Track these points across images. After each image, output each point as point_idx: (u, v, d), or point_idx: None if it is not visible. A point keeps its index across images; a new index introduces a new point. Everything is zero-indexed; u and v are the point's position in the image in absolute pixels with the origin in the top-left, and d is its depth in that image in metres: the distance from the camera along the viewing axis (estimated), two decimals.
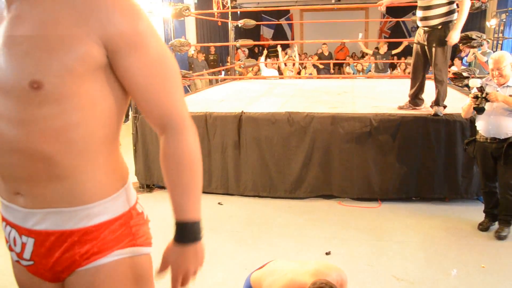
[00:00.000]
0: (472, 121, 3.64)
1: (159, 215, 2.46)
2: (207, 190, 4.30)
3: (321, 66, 10.67)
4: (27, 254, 1.02)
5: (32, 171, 0.94)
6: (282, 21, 14.83)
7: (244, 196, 4.28)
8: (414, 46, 4.13)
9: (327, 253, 3.14)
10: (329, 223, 3.68)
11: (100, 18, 0.89)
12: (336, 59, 12.32)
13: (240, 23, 7.22)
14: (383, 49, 8.95)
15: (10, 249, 1.07)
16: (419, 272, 2.88)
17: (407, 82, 4.53)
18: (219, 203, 4.14)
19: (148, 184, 4.56)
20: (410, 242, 3.30)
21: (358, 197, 4.11)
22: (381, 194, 4.09)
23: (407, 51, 11.06)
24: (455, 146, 3.91)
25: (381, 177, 4.05)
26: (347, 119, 4.06)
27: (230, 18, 7.51)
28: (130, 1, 0.93)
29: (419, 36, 4.01)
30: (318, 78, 8.49)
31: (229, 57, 8.28)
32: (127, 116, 5.97)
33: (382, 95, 5.35)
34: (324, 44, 11.13)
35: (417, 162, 4.00)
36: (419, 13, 3.92)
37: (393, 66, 10.68)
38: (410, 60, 6.28)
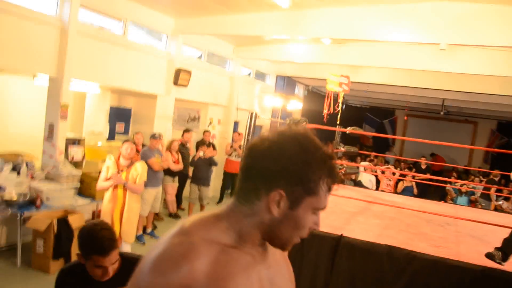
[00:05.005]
0: None
1: None
2: None
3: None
4: None
5: None
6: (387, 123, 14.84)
7: None
8: None
9: None
10: None
11: None
12: (432, 170, 11.84)
13: (348, 130, 7.37)
14: None
15: None
16: None
17: None
18: None
19: None
20: None
21: None
22: None
23: None
24: None
25: None
26: (449, 266, 3.75)
27: (338, 122, 7.73)
28: None
29: None
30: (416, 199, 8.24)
31: None
32: None
33: (491, 235, 4.88)
34: (423, 156, 10.93)
35: None
36: None
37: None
38: None
